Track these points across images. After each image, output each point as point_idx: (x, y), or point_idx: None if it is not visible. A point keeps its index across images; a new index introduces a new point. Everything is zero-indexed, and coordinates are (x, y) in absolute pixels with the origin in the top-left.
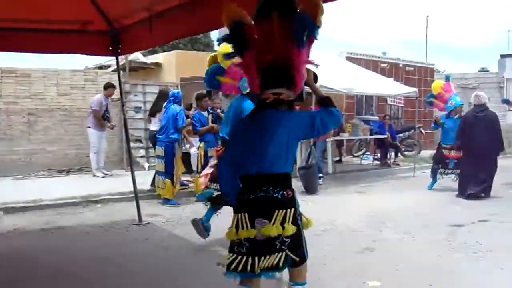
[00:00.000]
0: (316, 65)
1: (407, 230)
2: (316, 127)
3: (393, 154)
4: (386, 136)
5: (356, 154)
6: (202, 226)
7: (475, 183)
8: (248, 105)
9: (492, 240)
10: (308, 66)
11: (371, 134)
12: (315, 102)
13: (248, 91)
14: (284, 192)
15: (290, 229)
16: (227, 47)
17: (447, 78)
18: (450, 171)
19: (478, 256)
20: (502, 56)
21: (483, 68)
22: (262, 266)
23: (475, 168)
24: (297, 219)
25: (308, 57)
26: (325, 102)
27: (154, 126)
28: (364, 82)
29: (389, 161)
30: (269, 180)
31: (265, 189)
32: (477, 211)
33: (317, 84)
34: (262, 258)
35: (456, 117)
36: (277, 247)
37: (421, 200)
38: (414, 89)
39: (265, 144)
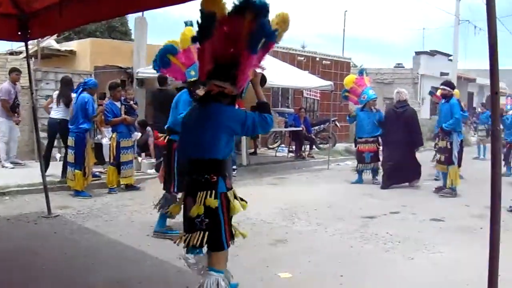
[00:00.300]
0: (263, 69)
1: (320, 222)
2: (246, 127)
3: (308, 146)
4: (301, 128)
5: (271, 146)
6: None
7: (398, 175)
8: (186, 98)
9: (402, 231)
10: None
11: (286, 127)
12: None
13: (190, 80)
14: (208, 176)
15: (210, 204)
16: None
17: (361, 72)
18: (368, 166)
19: (388, 246)
20: (417, 53)
21: (398, 64)
22: (187, 244)
23: (397, 162)
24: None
25: (259, 61)
26: (263, 107)
27: (57, 114)
28: (280, 74)
29: (303, 154)
30: (199, 164)
31: (196, 173)
32: (390, 203)
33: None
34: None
35: (372, 110)
36: (197, 226)
37: (335, 192)
38: (330, 82)
39: (201, 132)
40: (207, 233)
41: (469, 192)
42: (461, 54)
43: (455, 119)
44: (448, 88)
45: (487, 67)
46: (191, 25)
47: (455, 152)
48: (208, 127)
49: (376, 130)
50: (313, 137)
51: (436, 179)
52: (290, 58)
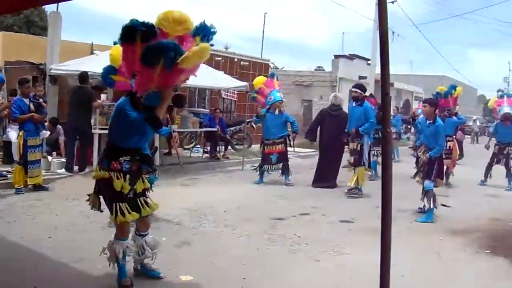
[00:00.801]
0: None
1: (228, 223)
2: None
3: (223, 147)
4: (216, 129)
5: (186, 147)
6: None
7: (325, 175)
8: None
9: (311, 232)
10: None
11: (201, 127)
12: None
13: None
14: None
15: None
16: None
17: (272, 75)
18: (274, 167)
19: (295, 248)
20: (336, 57)
21: (319, 67)
22: None
23: (326, 161)
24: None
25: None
26: (150, 119)
27: None
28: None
29: (218, 154)
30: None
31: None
32: (301, 204)
33: None
34: None
35: (276, 112)
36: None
37: (247, 194)
38: (245, 83)
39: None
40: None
41: (379, 193)
42: (379, 59)
43: (371, 123)
44: (359, 91)
45: (405, 72)
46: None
47: (366, 154)
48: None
49: (282, 131)
50: (228, 138)
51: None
52: (208, 58)
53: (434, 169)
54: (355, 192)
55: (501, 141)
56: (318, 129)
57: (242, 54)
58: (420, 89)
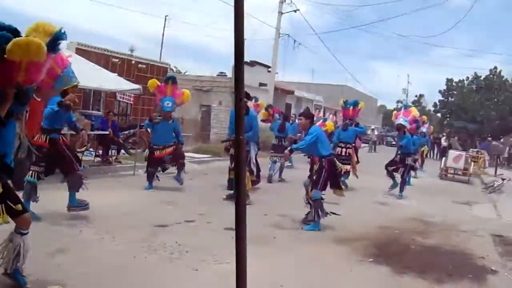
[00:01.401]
0: None
1: (110, 230)
2: None
3: (115, 151)
4: (108, 132)
5: (79, 150)
6: None
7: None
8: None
9: (193, 240)
10: None
11: (92, 130)
12: None
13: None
14: None
15: None
16: None
17: (165, 80)
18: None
19: (174, 257)
20: None
21: (221, 72)
22: None
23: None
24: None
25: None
26: None
27: None
28: (88, 76)
29: (110, 158)
30: None
31: None
32: (188, 211)
33: None
34: None
35: (170, 121)
36: None
37: (134, 199)
38: (138, 86)
39: None
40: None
41: (269, 200)
42: (280, 67)
43: (254, 131)
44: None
45: (306, 80)
46: None
47: (253, 160)
48: None
49: (171, 138)
50: (121, 141)
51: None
52: (104, 59)
53: (321, 179)
54: (230, 196)
55: (402, 151)
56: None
57: (140, 56)
58: (320, 97)
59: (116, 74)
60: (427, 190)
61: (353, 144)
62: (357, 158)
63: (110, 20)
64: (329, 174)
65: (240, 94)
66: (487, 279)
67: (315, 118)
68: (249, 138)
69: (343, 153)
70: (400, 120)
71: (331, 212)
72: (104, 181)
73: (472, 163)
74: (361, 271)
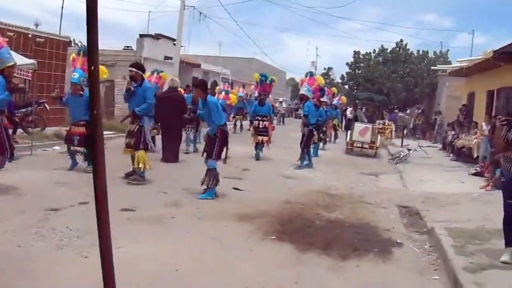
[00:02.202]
0: None
1: None
2: None
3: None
4: None
5: None
6: None
7: (168, 150)
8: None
9: (85, 224)
10: None
11: None
12: None
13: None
14: None
15: None
16: None
17: (78, 52)
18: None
19: (63, 243)
20: (141, 36)
21: (127, 46)
22: None
23: (167, 139)
24: None
25: None
26: None
27: None
28: None
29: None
30: None
31: None
32: (83, 192)
33: None
34: None
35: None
36: None
37: (29, 181)
38: (33, 61)
39: None
40: None
41: (175, 175)
42: (186, 40)
43: (148, 103)
44: (136, 70)
45: (214, 53)
46: None
47: (148, 137)
48: None
49: (85, 114)
50: (18, 120)
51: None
52: None
53: (215, 148)
54: (135, 178)
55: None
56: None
57: (38, 30)
58: (227, 70)
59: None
60: (335, 162)
61: (268, 117)
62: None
63: None
64: (221, 144)
65: (93, 61)
66: (392, 252)
67: (223, 90)
68: (143, 111)
69: (261, 126)
70: (304, 89)
71: (234, 188)
72: None
73: (379, 135)
74: (262, 250)
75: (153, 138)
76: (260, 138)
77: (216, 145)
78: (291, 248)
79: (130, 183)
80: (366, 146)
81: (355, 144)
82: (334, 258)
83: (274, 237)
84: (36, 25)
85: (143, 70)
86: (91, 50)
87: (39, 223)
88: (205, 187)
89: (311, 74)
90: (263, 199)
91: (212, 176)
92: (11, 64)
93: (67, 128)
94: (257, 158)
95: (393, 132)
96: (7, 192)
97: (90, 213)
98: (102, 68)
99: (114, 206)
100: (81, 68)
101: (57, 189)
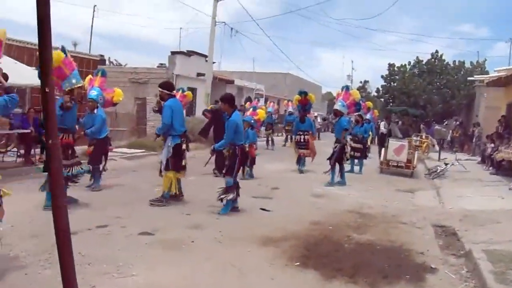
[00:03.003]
0: None
1: (10, 242)
2: None
3: (39, 150)
4: (29, 131)
5: (2, 150)
6: None
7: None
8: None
9: (100, 249)
10: None
11: (11, 129)
12: None
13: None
14: None
15: None
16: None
17: (97, 72)
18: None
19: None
20: (173, 53)
21: (161, 64)
22: None
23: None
24: None
25: None
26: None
27: None
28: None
29: (33, 158)
30: None
31: None
32: (102, 214)
33: None
34: None
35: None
36: None
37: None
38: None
39: None
40: None
41: (199, 196)
42: (218, 56)
43: (162, 123)
44: (160, 89)
45: (246, 69)
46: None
47: (162, 157)
48: None
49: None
50: (44, 139)
51: None
52: (27, 53)
53: (235, 166)
54: (158, 199)
55: (336, 137)
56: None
57: (69, 50)
58: (261, 86)
59: (35, 68)
60: (368, 179)
61: (310, 132)
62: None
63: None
64: (241, 162)
65: (47, 80)
66: (425, 279)
67: (252, 106)
68: (158, 131)
69: (302, 140)
70: (337, 104)
71: (261, 208)
72: (22, 184)
73: (416, 152)
74: (284, 278)
75: (179, 155)
76: (301, 151)
77: (236, 163)
78: (316, 276)
79: (153, 204)
80: (402, 165)
81: (390, 163)
82: (362, 286)
83: (298, 263)
84: (75, 44)
85: (171, 89)
86: (44, 68)
87: (51, 248)
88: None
89: (346, 88)
90: (290, 220)
91: (229, 190)
92: (79, 85)
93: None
94: (301, 171)
95: (433, 146)
96: (26, 215)
97: (106, 238)
98: (118, 91)
99: (135, 229)
100: (99, 86)
101: (76, 210)
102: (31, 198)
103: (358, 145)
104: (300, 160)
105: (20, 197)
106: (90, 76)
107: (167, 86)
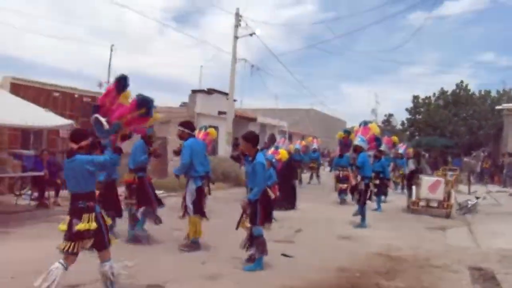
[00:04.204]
0: None
1: None
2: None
3: (53, 192)
4: (43, 173)
5: (17, 193)
6: None
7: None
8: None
9: None
10: None
11: (24, 171)
12: None
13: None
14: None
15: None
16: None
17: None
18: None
19: None
20: (194, 92)
21: (184, 103)
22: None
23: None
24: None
25: None
26: None
27: None
28: (13, 112)
29: (47, 201)
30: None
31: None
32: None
33: None
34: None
35: None
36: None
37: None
38: (70, 121)
39: None
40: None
41: (216, 240)
42: (240, 93)
43: (181, 164)
44: (180, 128)
45: (271, 106)
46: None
47: (187, 201)
48: None
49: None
50: (59, 182)
51: None
52: (45, 94)
53: (258, 213)
54: (186, 245)
55: (361, 174)
56: None
57: (84, 90)
58: (284, 123)
59: (46, 109)
60: (396, 216)
61: (348, 167)
62: None
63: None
64: (264, 206)
65: None
66: None
67: (275, 145)
68: (177, 172)
69: (341, 175)
70: (358, 140)
71: (282, 254)
72: (34, 228)
73: (452, 189)
74: None
75: (200, 198)
76: (342, 185)
77: (259, 208)
78: None
79: (182, 250)
80: (435, 204)
81: (421, 203)
82: None
83: None
84: (100, 84)
85: (191, 128)
86: None
87: None
88: (249, 252)
89: (364, 124)
90: (314, 266)
91: (259, 245)
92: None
93: None
94: (343, 202)
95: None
96: (24, 266)
97: None
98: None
99: (145, 280)
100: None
101: (86, 259)
102: (39, 245)
103: (376, 181)
104: (340, 193)
105: (28, 244)
106: None
107: (187, 125)
